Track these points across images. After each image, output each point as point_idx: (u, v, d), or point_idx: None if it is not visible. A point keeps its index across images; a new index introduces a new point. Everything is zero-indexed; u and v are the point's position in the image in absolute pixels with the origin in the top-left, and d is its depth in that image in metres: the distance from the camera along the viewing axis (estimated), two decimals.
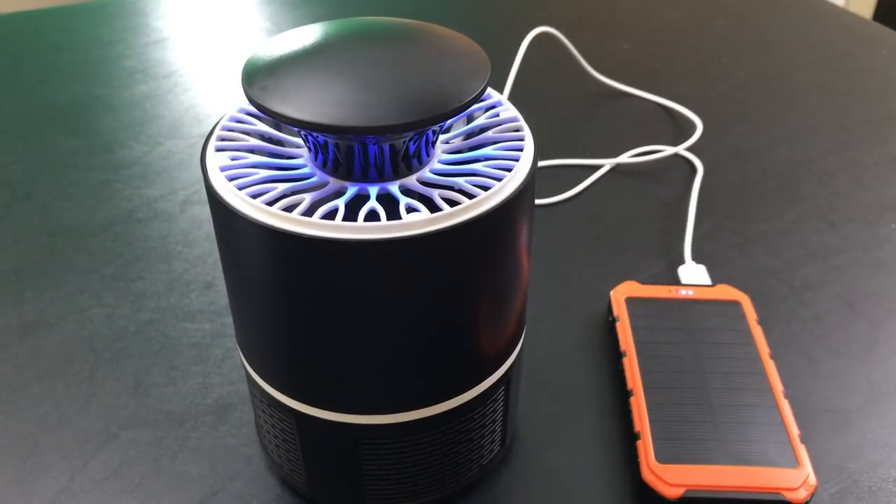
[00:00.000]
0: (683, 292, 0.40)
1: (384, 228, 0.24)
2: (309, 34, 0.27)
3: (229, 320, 0.41)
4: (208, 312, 0.42)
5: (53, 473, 0.34)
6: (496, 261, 0.26)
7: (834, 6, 0.77)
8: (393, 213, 0.25)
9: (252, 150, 0.28)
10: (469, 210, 0.24)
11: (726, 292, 0.40)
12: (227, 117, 0.29)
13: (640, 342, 0.37)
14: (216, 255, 0.46)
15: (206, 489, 0.33)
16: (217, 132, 0.28)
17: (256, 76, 0.25)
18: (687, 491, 0.31)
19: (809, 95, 0.62)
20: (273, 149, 0.28)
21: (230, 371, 0.39)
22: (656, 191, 0.51)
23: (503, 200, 0.25)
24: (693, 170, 0.53)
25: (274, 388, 0.29)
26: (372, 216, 0.25)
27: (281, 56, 0.26)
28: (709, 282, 0.42)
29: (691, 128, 0.57)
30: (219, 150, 0.27)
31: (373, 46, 0.26)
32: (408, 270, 0.24)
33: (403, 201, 0.25)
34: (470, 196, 0.25)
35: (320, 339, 0.26)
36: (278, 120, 0.24)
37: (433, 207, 0.25)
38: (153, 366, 0.39)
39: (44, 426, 0.36)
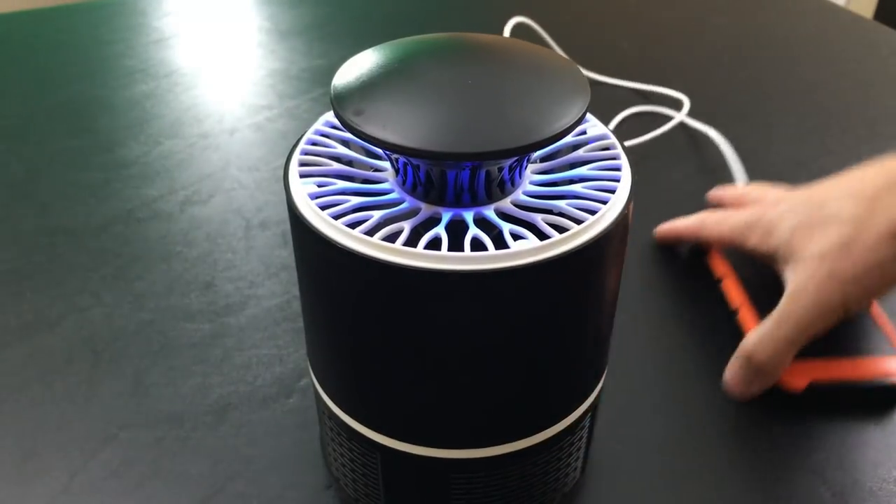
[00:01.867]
0: None
1: (493, 258, 0.22)
2: (393, 53, 0.26)
3: (229, 320, 0.41)
4: (208, 312, 0.42)
5: (53, 473, 0.34)
6: (602, 286, 0.25)
7: (834, 6, 0.77)
8: (496, 241, 0.23)
9: (336, 175, 0.26)
10: (579, 235, 0.23)
11: None
12: (304, 140, 0.27)
13: (735, 266, 0.42)
14: (216, 254, 0.46)
15: (206, 489, 0.33)
16: (297, 157, 0.27)
17: (349, 100, 0.24)
18: (811, 382, 0.35)
19: (809, 95, 0.62)
20: (357, 173, 0.27)
21: (230, 371, 0.39)
22: (666, 166, 0.51)
23: (611, 224, 0.24)
24: (698, 134, 0.53)
25: (358, 421, 0.28)
26: (476, 244, 0.23)
27: (371, 78, 0.25)
28: None
29: (678, 103, 0.57)
30: (304, 176, 0.26)
31: (466, 66, 0.25)
32: (515, 300, 0.23)
33: (506, 228, 0.24)
34: (577, 221, 0.24)
35: (417, 372, 0.25)
36: (377, 146, 0.23)
37: (536, 232, 0.24)
38: (153, 366, 0.39)
39: (44, 426, 0.36)
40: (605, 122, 0.56)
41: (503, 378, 0.25)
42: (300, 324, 0.41)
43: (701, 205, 0.49)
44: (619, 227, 0.24)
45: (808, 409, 0.36)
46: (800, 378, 0.36)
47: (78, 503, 0.33)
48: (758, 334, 0.35)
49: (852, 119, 0.59)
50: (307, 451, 0.35)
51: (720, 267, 0.42)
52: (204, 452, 0.35)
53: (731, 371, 0.36)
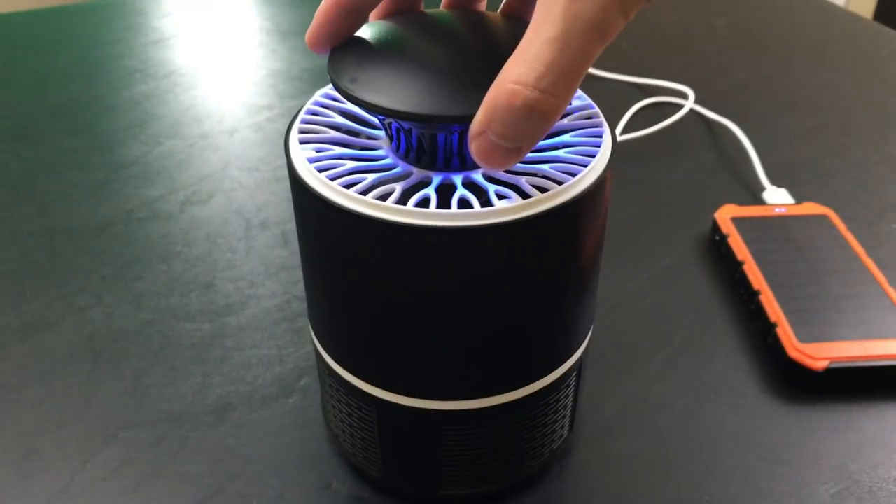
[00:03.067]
0: (777, 210, 0.46)
1: (478, 215, 0.24)
2: (392, 26, 0.27)
3: (229, 320, 0.41)
4: (208, 312, 0.42)
5: (53, 473, 0.34)
6: (583, 244, 0.27)
7: (834, 6, 0.77)
8: (483, 201, 0.25)
9: (333, 142, 0.28)
10: (560, 195, 0.25)
11: (813, 208, 0.46)
12: (304, 110, 0.29)
13: (755, 251, 0.42)
14: (216, 254, 0.46)
15: (206, 489, 0.33)
16: (298, 124, 0.28)
17: (345, 67, 0.25)
18: (831, 363, 0.36)
19: (809, 95, 0.62)
20: (354, 140, 0.28)
21: (230, 371, 0.39)
22: (679, 153, 0.51)
23: (590, 185, 0.25)
24: (709, 124, 0.53)
25: (355, 375, 0.29)
26: (463, 204, 0.25)
27: (367, 47, 0.26)
28: (793, 201, 0.48)
29: (682, 99, 0.57)
30: (303, 142, 0.27)
31: (457, 36, 0.27)
32: (501, 256, 0.25)
33: (492, 188, 0.25)
34: (558, 182, 0.26)
35: (410, 326, 0.26)
36: (370, 110, 0.24)
37: (521, 194, 0.25)
38: (153, 366, 0.39)
39: (44, 426, 0.36)
40: (617, 117, 0.57)
41: (489, 331, 0.27)
42: (300, 323, 0.41)
43: (716, 195, 0.49)
44: (599, 188, 0.26)
45: (807, 407, 0.36)
46: (819, 359, 0.36)
47: (78, 503, 0.33)
48: (532, 69, 0.22)
49: (852, 119, 0.59)
50: (307, 451, 0.35)
51: (740, 251, 0.43)
52: (204, 452, 0.35)
53: (499, 127, 0.22)
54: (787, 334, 0.37)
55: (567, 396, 0.32)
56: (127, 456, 0.35)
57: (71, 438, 0.35)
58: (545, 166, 0.26)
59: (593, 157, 0.27)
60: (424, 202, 0.25)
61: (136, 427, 0.36)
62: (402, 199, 0.25)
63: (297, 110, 0.60)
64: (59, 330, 0.41)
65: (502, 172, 0.26)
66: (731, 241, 0.44)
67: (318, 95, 0.30)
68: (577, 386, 0.32)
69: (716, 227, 0.46)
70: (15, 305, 0.42)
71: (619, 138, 0.54)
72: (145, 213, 0.49)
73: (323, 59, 0.67)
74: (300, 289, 0.43)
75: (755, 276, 0.41)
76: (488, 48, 0.26)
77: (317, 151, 0.27)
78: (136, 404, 0.37)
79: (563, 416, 0.32)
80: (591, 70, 0.63)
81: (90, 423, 0.36)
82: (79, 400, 0.37)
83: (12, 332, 0.41)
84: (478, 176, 0.26)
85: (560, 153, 0.27)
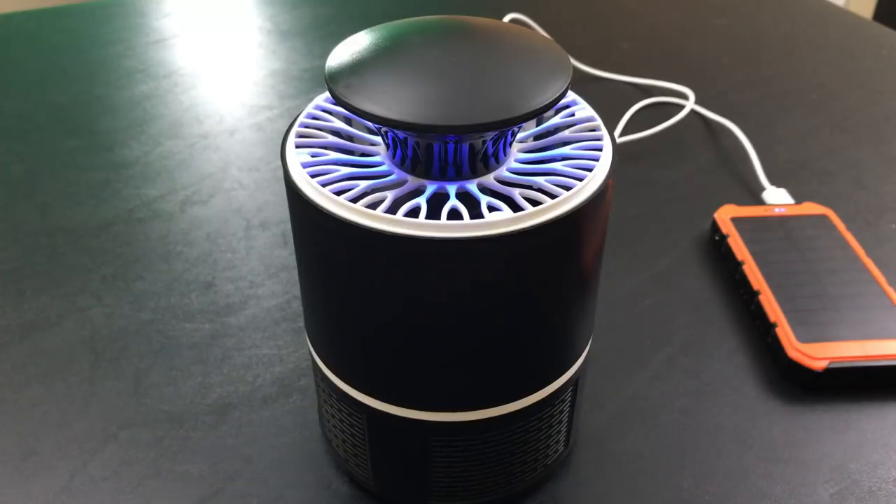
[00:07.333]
0: (777, 210, 0.46)
1: (467, 227, 0.24)
2: (388, 33, 0.27)
3: (229, 320, 0.41)
4: (208, 312, 0.42)
5: (53, 473, 0.34)
6: (575, 260, 0.26)
7: (834, 6, 0.77)
8: (474, 212, 0.25)
9: (330, 147, 0.28)
10: (551, 210, 0.24)
11: (813, 208, 0.46)
12: (304, 114, 0.29)
13: (754, 252, 0.43)
14: (216, 255, 0.46)
15: (206, 489, 0.33)
16: (296, 129, 0.28)
17: (340, 74, 0.25)
18: (830, 363, 0.36)
19: (809, 95, 0.62)
20: (350, 146, 0.28)
21: (230, 371, 0.39)
22: (673, 157, 0.51)
23: (585, 200, 0.25)
24: (709, 124, 0.53)
25: (345, 382, 0.29)
26: (454, 214, 0.25)
27: (363, 54, 0.26)
28: (792, 201, 0.48)
29: (682, 101, 0.57)
30: (299, 146, 0.27)
31: (453, 45, 0.27)
32: (489, 269, 0.24)
33: (484, 200, 0.25)
34: (551, 196, 0.25)
35: (397, 335, 0.26)
36: (364, 118, 0.24)
37: (514, 206, 0.25)
38: (153, 366, 0.39)
39: (44, 426, 0.36)
40: (617, 117, 0.57)
41: (476, 344, 0.26)
42: (300, 324, 0.41)
43: (716, 196, 0.49)
44: (594, 203, 0.25)
45: (807, 407, 0.36)
46: (819, 359, 0.36)
47: (78, 503, 0.33)
48: None
49: (852, 119, 0.59)
50: (307, 451, 0.35)
51: (740, 251, 0.43)
52: (204, 452, 0.35)
53: None
54: (786, 334, 0.37)
55: (562, 412, 0.31)
56: (127, 456, 0.35)
57: (71, 438, 0.35)
58: (541, 179, 0.26)
59: (591, 170, 0.26)
60: (414, 212, 0.24)
61: (136, 427, 0.36)
62: (392, 208, 0.25)
63: (296, 111, 0.60)
64: (59, 330, 0.41)
65: (497, 184, 0.26)
66: (730, 241, 0.44)
67: (319, 99, 0.30)
68: (573, 401, 0.31)
69: (715, 227, 0.46)
70: (15, 305, 0.42)
71: (620, 139, 0.54)
72: (145, 213, 0.49)
73: (323, 59, 0.68)
74: (300, 289, 0.43)
75: (755, 276, 0.41)
76: (487, 56, 0.26)
77: (312, 156, 0.27)
78: (136, 404, 0.37)
79: (558, 432, 0.32)
80: (592, 70, 0.63)
81: (90, 423, 0.36)
82: (79, 400, 0.37)
83: (12, 332, 0.41)
84: (472, 186, 0.26)
85: (557, 166, 0.27)
